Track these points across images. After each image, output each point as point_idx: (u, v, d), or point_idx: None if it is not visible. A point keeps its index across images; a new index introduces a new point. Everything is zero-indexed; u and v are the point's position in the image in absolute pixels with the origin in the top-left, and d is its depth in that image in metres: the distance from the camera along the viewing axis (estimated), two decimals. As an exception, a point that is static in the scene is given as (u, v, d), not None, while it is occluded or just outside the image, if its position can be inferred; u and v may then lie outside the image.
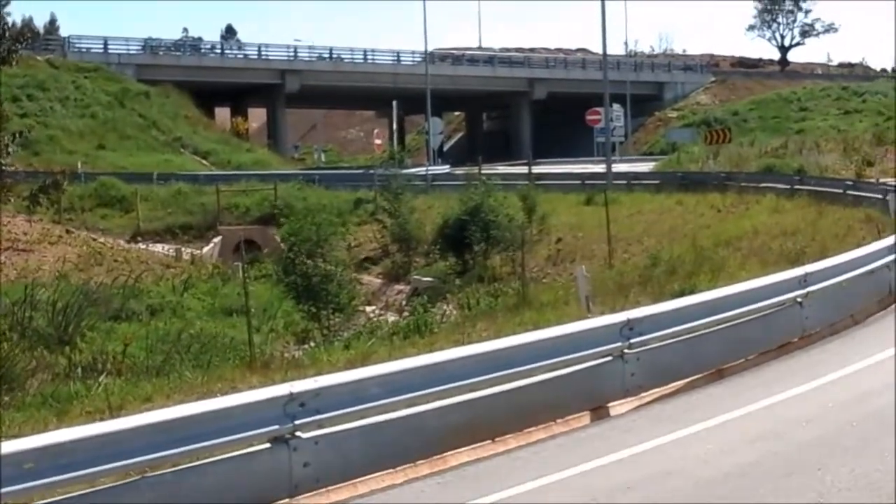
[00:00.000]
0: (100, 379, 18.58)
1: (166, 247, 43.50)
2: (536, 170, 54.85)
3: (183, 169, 60.44)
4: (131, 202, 48.09)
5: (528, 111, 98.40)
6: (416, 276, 37.41)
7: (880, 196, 30.93)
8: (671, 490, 9.27)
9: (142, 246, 42.83)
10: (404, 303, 34.84)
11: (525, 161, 63.53)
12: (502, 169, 56.95)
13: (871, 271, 18.20)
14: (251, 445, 9.49)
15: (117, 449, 8.58)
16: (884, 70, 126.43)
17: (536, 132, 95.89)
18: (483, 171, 45.94)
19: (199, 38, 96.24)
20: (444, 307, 30.25)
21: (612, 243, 31.29)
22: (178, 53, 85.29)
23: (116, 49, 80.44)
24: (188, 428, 8.98)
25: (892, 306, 18.37)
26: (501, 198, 37.17)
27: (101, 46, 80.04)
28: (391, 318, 29.94)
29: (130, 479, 8.88)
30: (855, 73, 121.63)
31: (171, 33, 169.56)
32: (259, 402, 9.51)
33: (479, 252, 35.36)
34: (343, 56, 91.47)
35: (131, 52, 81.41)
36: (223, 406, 9.41)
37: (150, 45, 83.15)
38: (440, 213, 39.39)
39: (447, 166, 68.74)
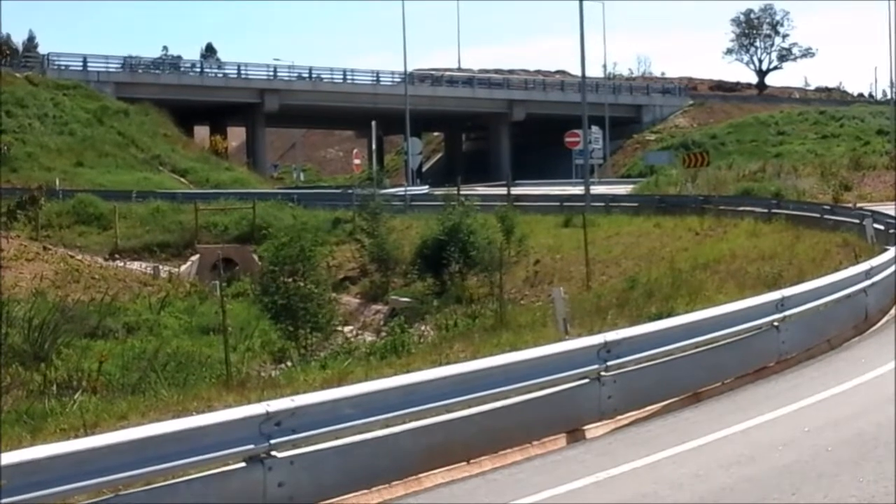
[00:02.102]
0: (75, 396, 18.52)
1: (144, 265, 43.36)
2: (515, 191, 54.95)
3: (161, 187, 60.31)
4: (109, 220, 47.93)
5: (506, 132, 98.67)
6: (393, 297, 37.39)
7: (857, 221, 31.11)
8: (646, 513, 9.27)
9: (119, 264, 42.68)
10: (382, 323, 34.83)
11: (504, 182, 63.63)
12: (481, 190, 57.02)
13: (848, 296, 18.29)
14: (226, 464, 9.43)
15: (91, 467, 8.51)
16: (861, 95, 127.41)
17: (515, 153, 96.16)
18: (462, 192, 45.97)
19: (179, 57, 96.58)
20: (422, 328, 30.24)
21: (589, 265, 31.35)
22: (157, 72, 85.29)
23: (96, 67, 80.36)
24: (162, 446, 8.92)
25: (869, 330, 18.48)
26: (480, 219, 37.21)
27: (81, 64, 79.98)
28: (369, 338, 29.93)
29: (103, 498, 8.81)
30: (832, 97, 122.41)
31: (151, 52, 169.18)
32: (235, 420, 9.45)
33: (456, 273, 35.39)
34: (322, 76, 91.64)
35: (111, 69, 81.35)
36: (198, 424, 9.35)
37: (129, 63, 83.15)
38: (419, 233, 39.40)
39: (426, 187, 68.83)
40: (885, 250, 22.27)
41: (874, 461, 10.36)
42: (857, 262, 21.03)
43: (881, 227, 28.65)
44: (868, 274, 19.12)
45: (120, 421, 14.70)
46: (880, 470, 10.02)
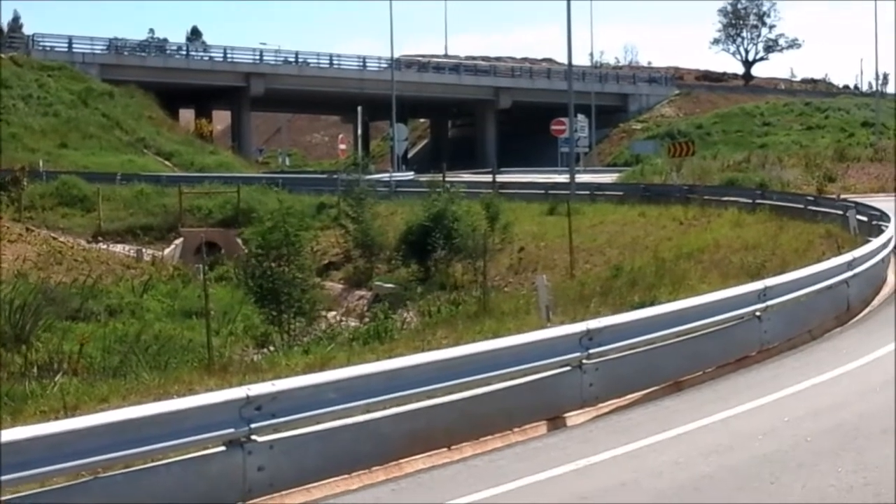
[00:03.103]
0: (56, 378, 18.46)
1: (127, 247, 43.28)
2: (500, 178, 54.95)
3: (146, 170, 60.18)
4: (93, 202, 47.81)
5: (493, 120, 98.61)
6: (377, 283, 37.35)
7: (841, 212, 31.17)
8: (625, 501, 9.27)
9: (102, 246, 42.59)
10: (365, 309, 34.78)
11: (489, 169, 63.61)
12: (466, 177, 56.99)
13: (830, 287, 18.34)
14: (206, 448, 9.42)
15: (70, 449, 8.49)
16: (846, 87, 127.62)
17: (501, 141, 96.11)
18: (447, 179, 45.96)
19: (165, 40, 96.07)
20: (405, 314, 30.22)
21: (574, 253, 31.37)
22: (143, 54, 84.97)
23: (81, 48, 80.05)
24: (142, 429, 8.90)
25: (851, 321, 18.54)
26: (465, 206, 37.19)
27: (66, 45, 79.62)
28: (352, 323, 29.87)
29: (82, 480, 8.81)
30: (818, 89, 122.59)
31: (137, 34, 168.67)
32: (215, 404, 9.43)
33: (441, 259, 35.36)
34: (309, 60, 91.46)
35: (96, 51, 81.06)
36: (178, 408, 9.33)
37: (115, 45, 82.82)
38: (403, 219, 39.36)
39: (411, 173, 68.73)
40: (868, 242, 22.31)
41: (854, 451, 10.39)
42: (840, 253, 21.08)
43: (864, 219, 28.69)
44: (850, 265, 19.17)
45: (100, 404, 14.67)
46: (860, 460, 10.06)
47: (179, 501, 9.09)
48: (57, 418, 12.40)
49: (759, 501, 9.10)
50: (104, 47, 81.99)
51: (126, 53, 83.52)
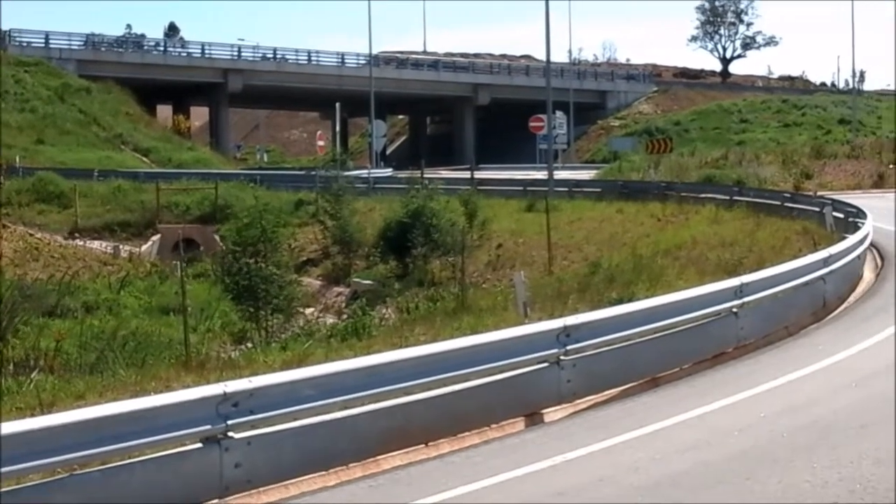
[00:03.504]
0: (32, 375, 18.39)
1: (104, 244, 43.16)
2: (479, 175, 54.95)
3: (123, 166, 59.97)
4: (70, 198, 47.62)
5: (471, 116, 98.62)
6: (355, 279, 37.31)
7: (817, 209, 31.31)
8: (602, 497, 9.29)
9: (79, 242, 42.46)
10: (343, 305, 34.74)
11: (468, 166, 63.63)
12: (445, 173, 57.03)
13: (807, 283, 18.41)
14: (182, 445, 9.40)
15: (46, 446, 8.46)
16: (823, 84, 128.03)
17: (479, 137, 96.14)
18: (426, 175, 45.95)
19: (143, 36, 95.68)
20: (384, 310, 30.20)
21: (552, 250, 31.40)
22: (120, 50, 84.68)
23: (58, 44, 79.79)
24: (118, 426, 8.87)
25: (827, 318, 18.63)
26: (444, 202, 37.18)
27: (43, 41, 79.35)
28: (330, 320, 29.85)
29: (58, 477, 8.78)
30: (795, 86, 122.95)
31: (115, 30, 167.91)
32: (192, 401, 9.41)
33: (419, 256, 35.36)
34: (287, 57, 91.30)
35: (73, 47, 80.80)
36: (155, 405, 9.30)
37: (92, 41, 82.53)
38: (382, 215, 39.35)
39: (390, 169, 68.74)
40: (844, 238, 22.40)
41: (829, 447, 10.44)
42: (817, 250, 21.17)
43: (841, 216, 28.82)
44: (827, 262, 19.25)
45: (77, 400, 14.62)
46: (834, 456, 10.10)
47: (156, 498, 9.08)
48: (33, 415, 12.33)
49: (734, 497, 9.12)
50: (81, 43, 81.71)
51: (103, 49, 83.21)
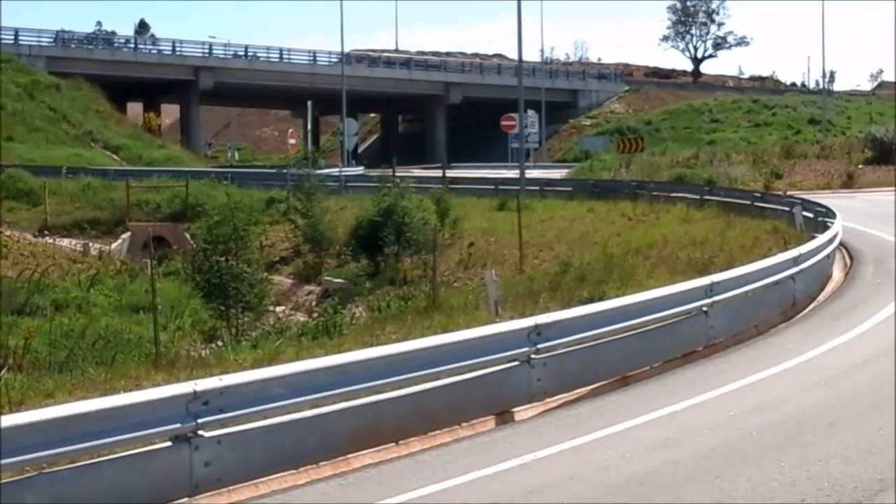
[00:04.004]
0: (0, 373, 18.28)
1: (74, 242, 42.91)
2: (451, 174, 54.92)
3: (93, 163, 59.66)
4: (39, 195, 47.29)
5: (443, 115, 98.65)
6: (326, 278, 37.28)
7: (787, 208, 31.45)
8: (572, 495, 9.31)
9: (49, 240, 42.20)
10: (314, 304, 34.73)
11: (439, 164, 63.63)
12: (417, 172, 56.98)
13: (776, 282, 18.50)
14: (152, 443, 9.37)
15: (14, 444, 8.40)
16: (794, 84, 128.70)
17: (451, 136, 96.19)
18: (397, 174, 45.93)
19: (113, 32, 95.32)
20: (355, 309, 30.21)
21: (523, 249, 31.46)
22: (90, 47, 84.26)
23: (28, 40, 79.28)
24: (87, 424, 8.83)
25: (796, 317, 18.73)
26: (416, 201, 37.18)
27: (12, 37, 78.78)
28: (301, 318, 29.85)
29: (27, 475, 8.73)
30: (766, 86, 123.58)
31: (85, 26, 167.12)
32: (161, 399, 9.39)
33: (391, 254, 35.35)
34: (259, 54, 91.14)
35: (43, 43, 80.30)
36: (124, 403, 9.26)
37: (62, 38, 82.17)
38: (353, 214, 39.30)
39: (361, 168, 68.66)
40: (814, 238, 22.54)
41: (797, 446, 10.50)
42: (786, 249, 21.28)
43: (810, 215, 28.98)
44: (796, 261, 19.36)
45: (46, 399, 14.55)
46: (803, 454, 10.16)
47: (126, 497, 9.04)
48: (1, 413, 12.28)
49: (704, 495, 9.16)
50: (51, 40, 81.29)
51: (73, 46, 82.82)
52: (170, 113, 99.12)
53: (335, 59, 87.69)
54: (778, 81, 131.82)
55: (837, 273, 23.76)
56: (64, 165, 54.40)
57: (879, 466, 9.75)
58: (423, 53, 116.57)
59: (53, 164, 55.82)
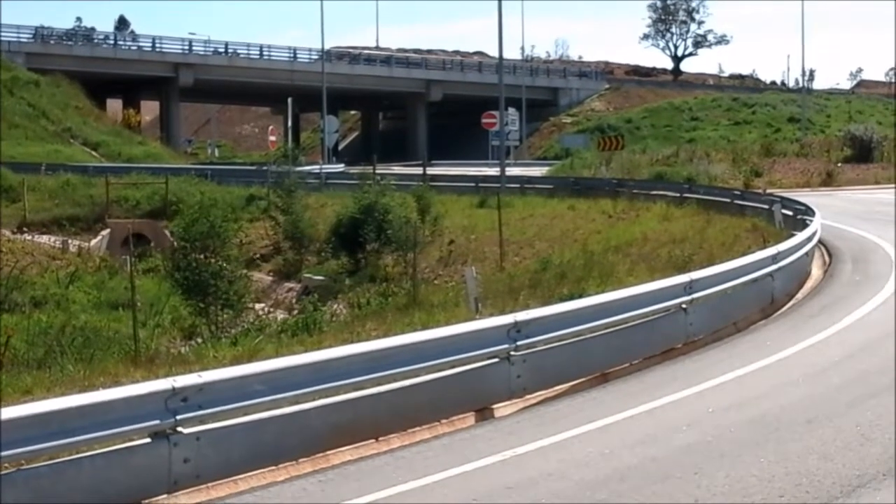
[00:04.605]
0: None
1: (53, 238, 42.75)
2: (431, 171, 54.91)
3: (72, 160, 59.45)
4: (18, 192, 47.09)
5: (423, 112, 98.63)
6: (307, 275, 37.24)
7: (766, 206, 31.54)
8: (551, 492, 9.32)
9: (28, 237, 42.03)
10: (295, 301, 34.69)
11: (420, 162, 63.63)
12: (397, 169, 56.95)
13: (755, 280, 18.55)
14: (131, 440, 9.35)
15: (-8, 441, 8.38)
16: (773, 82, 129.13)
17: (432, 134, 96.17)
18: (378, 171, 45.91)
19: (93, 29, 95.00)
20: (335, 306, 30.16)
21: (503, 246, 31.49)
22: (70, 43, 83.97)
23: (6, 36, 78.88)
24: (66, 421, 8.80)
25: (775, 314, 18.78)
26: (397, 198, 37.17)
27: (-9, 33, 78.38)
28: (281, 315, 29.78)
29: (5, 472, 8.68)
30: (745, 84, 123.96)
31: (64, 23, 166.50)
32: (140, 395, 9.35)
33: (371, 252, 35.33)
34: (239, 51, 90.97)
35: (22, 39, 79.97)
36: (103, 399, 9.23)
37: (41, 34, 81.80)
38: (334, 211, 39.27)
39: (342, 165, 68.61)
40: (793, 236, 22.61)
41: (775, 442, 10.54)
42: (765, 247, 21.33)
43: (789, 213, 29.07)
44: (775, 259, 19.40)
45: (24, 395, 14.49)
46: (781, 451, 10.21)
47: (104, 493, 9.02)
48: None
49: (682, 491, 9.19)
50: (30, 36, 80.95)
51: (52, 42, 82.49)
52: (149, 110, 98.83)
53: (316, 57, 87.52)
54: (758, 80, 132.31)
55: (816, 271, 23.84)
56: (43, 162, 54.15)
57: (857, 462, 9.80)
58: (404, 51, 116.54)
59: (33, 160, 55.58)
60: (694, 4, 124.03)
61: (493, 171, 54.25)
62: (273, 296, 36.58)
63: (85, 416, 8.92)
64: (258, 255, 41.08)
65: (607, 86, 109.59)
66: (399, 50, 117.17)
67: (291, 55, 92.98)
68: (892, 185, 46.19)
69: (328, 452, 10.57)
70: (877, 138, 61.23)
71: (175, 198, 45.75)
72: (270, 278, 39.18)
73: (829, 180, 52.48)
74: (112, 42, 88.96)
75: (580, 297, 17.56)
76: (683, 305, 15.78)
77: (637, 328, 14.85)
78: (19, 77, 73.51)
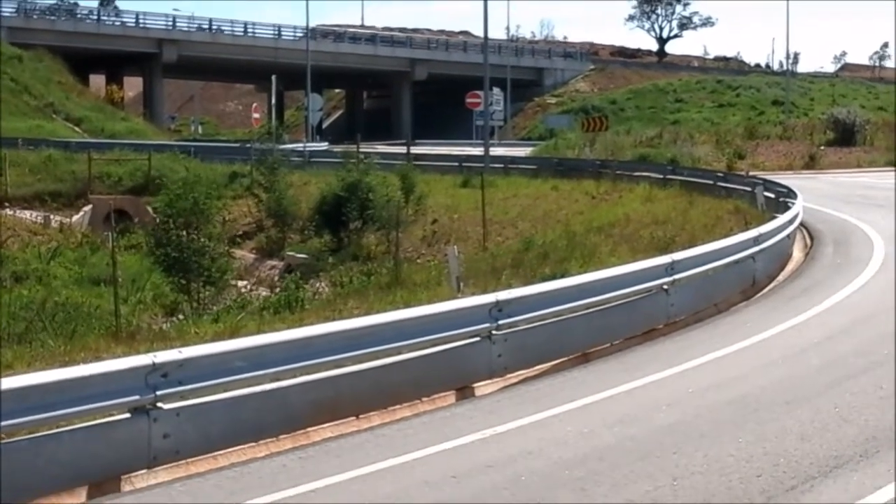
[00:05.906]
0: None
1: (35, 214, 42.62)
2: (415, 150, 54.86)
3: (55, 135, 59.12)
4: (-1, 167, 46.91)
5: (408, 91, 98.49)
6: (289, 253, 37.23)
7: (749, 188, 31.60)
8: (530, 470, 9.35)
9: (9, 212, 41.87)
10: (277, 278, 34.67)
11: (404, 141, 63.57)
12: (381, 148, 56.88)
13: (737, 262, 18.60)
14: (111, 415, 9.35)
15: (-29, 415, 8.37)
16: (758, 65, 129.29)
17: (416, 113, 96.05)
18: (362, 150, 45.83)
19: (76, 4, 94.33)
20: (317, 284, 30.18)
21: (486, 226, 31.52)
22: (53, 18, 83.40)
23: (-11, 10, 78.34)
24: (46, 395, 8.79)
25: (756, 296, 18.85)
26: (380, 177, 37.14)
27: (-27, 8, 77.85)
28: (263, 293, 29.78)
29: (-16, 446, 8.70)
30: (730, 67, 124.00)
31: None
32: (120, 371, 9.34)
33: (354, 230, 35.32)
34: (223, 28, 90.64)
35: (4, 14, 79.28)
36: (83, 374, 9.22)
37: (24, 8, 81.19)
38: (318, 189, 39.23)
39: (326, 143, 68.47)
40: (775, 218, 22.66)
41: (754, 422, 10.59)
42: (747, 229, 21.38)
43: (772, 196, 29.12)
44: (757, 240, 19.46)
45: (5, 370, 14.42)
46: (760, 431, 10.25)
47: (84, 467, 9.03)
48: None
49: (660, 470, 9.22)
50: (12, 10, 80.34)
51: (35, 17, 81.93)
52: (133, 85, 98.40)
53: (300, 34, 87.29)
54: (742, 62, 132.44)
55: (797, 253, 23.90)
56: (19, 138, 53.69)
57: (834, 444, 9.85)
58: (390, 29, 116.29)
59: (14, 135, 55.24)
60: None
61: (477, 151, 54.23)
62: (256, 273, 36.56)
63: (64, 391, 8.91)
64: (241, 233, 41.04)
65: (592, 67, 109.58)
66: (384, 28, 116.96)
67: (276, 32, 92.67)
68: (874, 169, 46.30)
69: (309, 429, 10.59)
70: (860, 122, 61.29)
71: (158, 174, 45.59)
72: (253, 256, 39.15)
73: (811, 163, 52.56)
74: (95, 17, 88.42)
75: (562, 277, 17.57)
76: (665, 286, 15.81)
77: (619, 308, 14.88)
78: (2, 52, 72.99)
